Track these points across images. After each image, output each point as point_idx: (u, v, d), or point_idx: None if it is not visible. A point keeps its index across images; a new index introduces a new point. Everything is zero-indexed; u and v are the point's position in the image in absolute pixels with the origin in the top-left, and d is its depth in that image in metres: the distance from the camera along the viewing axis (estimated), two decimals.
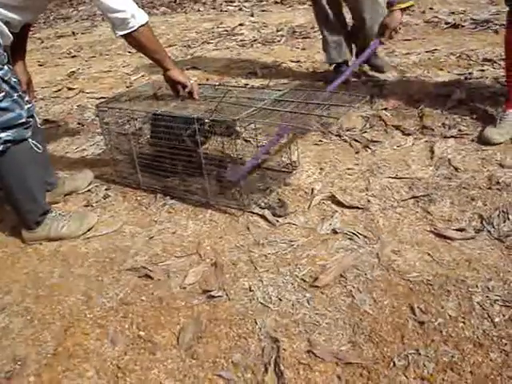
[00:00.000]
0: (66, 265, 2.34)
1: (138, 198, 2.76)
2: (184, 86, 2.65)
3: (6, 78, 2.20)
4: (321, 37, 3.96)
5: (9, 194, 2.42)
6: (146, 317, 2.01)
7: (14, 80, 2.27)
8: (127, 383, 1.77)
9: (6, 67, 2.22)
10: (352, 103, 2.38)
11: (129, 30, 2.38)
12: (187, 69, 4.72)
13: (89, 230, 2.55)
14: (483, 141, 2.85)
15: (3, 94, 2.19)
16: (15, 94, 2.25)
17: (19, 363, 1.88)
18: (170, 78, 2.64)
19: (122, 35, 2.40)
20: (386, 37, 3.04)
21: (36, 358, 1.90)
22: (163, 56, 2.56)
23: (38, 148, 2.40)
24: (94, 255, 2.37)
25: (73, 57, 6.03)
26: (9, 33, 2.28)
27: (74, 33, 7.38)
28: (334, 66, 4.03)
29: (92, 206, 2.77)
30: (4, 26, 2.25)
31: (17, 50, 2.54)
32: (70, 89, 4.74)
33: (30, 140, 2.35)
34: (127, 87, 4.48)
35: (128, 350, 1.89)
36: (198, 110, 2.52)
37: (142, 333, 1.95)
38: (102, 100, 3.12)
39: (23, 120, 2.27)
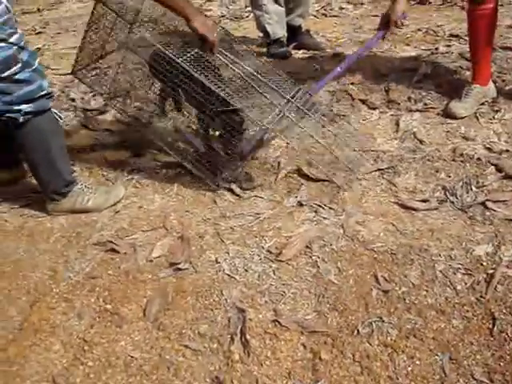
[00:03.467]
0: (32, 240, 2.31)
1: (104, 173, 2.73)
2: (204, 39, 2.31)
3: (21, 44, 2.09)
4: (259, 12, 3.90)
5: (32, 166, 2.37)
6: (112, 290, 2.01)
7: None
8: (94, 356, 1.79)
9: (19, 31, 2.10)
10: None
11: None
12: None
13: (116, 204, 2.48)
14: (448, 115, 2.87)
15: (20, 64, 2.08)
16: (35, 63, 2.15)
17: None
18: (191, 29, 2.29)
19: None
20: (390, 31, 2.77)
21: (2, 334, 1.89)
22: (180, 5, 2.24)
23: (59, 117, 2.34)
24: (60, 230, 2.35)
25: (38, 33, 5.89)
26: None
27: (39, 9, 7.21)
28: (273, 40, 3.96)
29: None
30: None
31: None
32: None
33: (52, 110, 2.27)
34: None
35: (94, 323, 1.90)
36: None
37: (108, 306, 1.95)
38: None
39: (45, 91, 2.19)
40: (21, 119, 2.16)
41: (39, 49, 5.16)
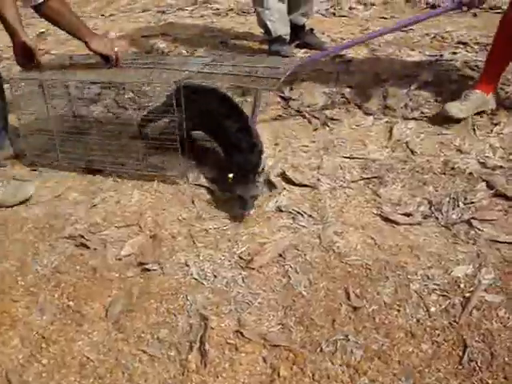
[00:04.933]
0: (4, 229, 2.27)
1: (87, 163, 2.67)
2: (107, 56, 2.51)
3: None
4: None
5: None
6: (77, 287, 1.96)
7: None
8: (49, 354, 1.75)
9: None
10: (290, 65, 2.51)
11: (34, 3, 2.35)
12: (156, 35, 4.59)
13: (23, 202, 2.42)
14: (442, 114, 2.78)
15: None
16: None
17: None
18: (91, 50, 2.49)
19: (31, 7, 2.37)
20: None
21: None
22: (77, 29, 2.44)
23: None
24: (34, 221, 2.30)
25: None
26: None
27: None
28: (274, 38, 3.84)
29: (39, 170, 2.68)
30: None
31: None
32: None
33: None
34: None
35: (55, 320, 1.85)
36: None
37: (71, 303, 1.91)
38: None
39: None
40: None
41: (43, 32, 5.12)
